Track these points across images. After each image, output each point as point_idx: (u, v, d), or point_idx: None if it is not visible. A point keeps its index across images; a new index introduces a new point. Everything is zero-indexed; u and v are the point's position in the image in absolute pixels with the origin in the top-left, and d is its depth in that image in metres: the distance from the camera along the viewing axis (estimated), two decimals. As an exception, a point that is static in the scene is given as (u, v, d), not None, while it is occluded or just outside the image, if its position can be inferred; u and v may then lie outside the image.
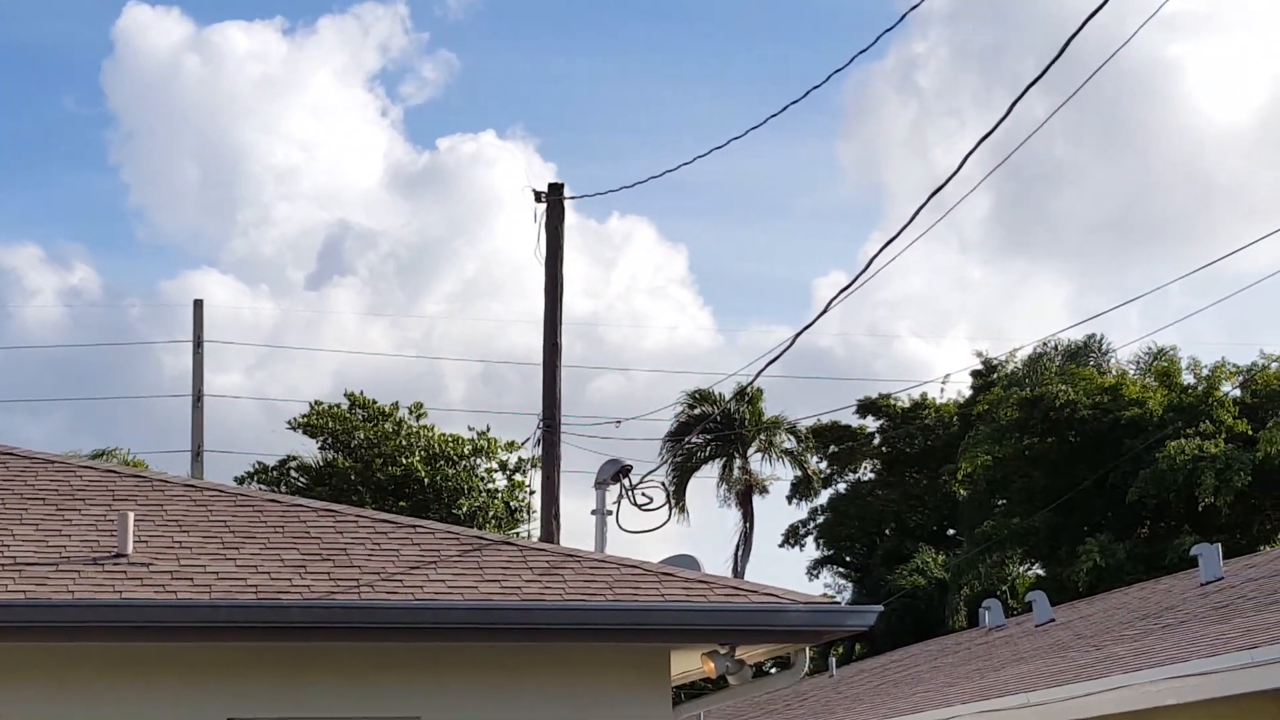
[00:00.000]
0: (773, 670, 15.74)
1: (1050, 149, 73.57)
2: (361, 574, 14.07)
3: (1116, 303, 60.31)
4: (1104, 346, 52.61)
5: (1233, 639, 17.76)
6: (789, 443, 60.60)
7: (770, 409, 60.46)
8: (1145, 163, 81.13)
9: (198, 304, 47.80)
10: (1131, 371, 50.82)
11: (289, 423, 51.58)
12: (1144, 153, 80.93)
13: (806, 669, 15.34)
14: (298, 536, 14.96)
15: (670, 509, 22.30)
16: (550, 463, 24.85)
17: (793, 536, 62.03)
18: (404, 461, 49.34)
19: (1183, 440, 44.49)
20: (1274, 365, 47.51)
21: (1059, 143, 76.07)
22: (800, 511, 62.02)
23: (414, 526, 15.67)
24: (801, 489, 60.89)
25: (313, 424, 51.01)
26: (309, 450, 51.40)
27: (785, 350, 18.44)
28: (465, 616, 13.62)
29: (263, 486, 49.29)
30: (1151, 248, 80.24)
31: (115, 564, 14.03)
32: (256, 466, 51.83)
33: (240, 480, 49.81)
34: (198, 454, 45.92)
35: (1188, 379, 49.33)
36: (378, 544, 14.88)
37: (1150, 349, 50.93)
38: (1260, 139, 79.93)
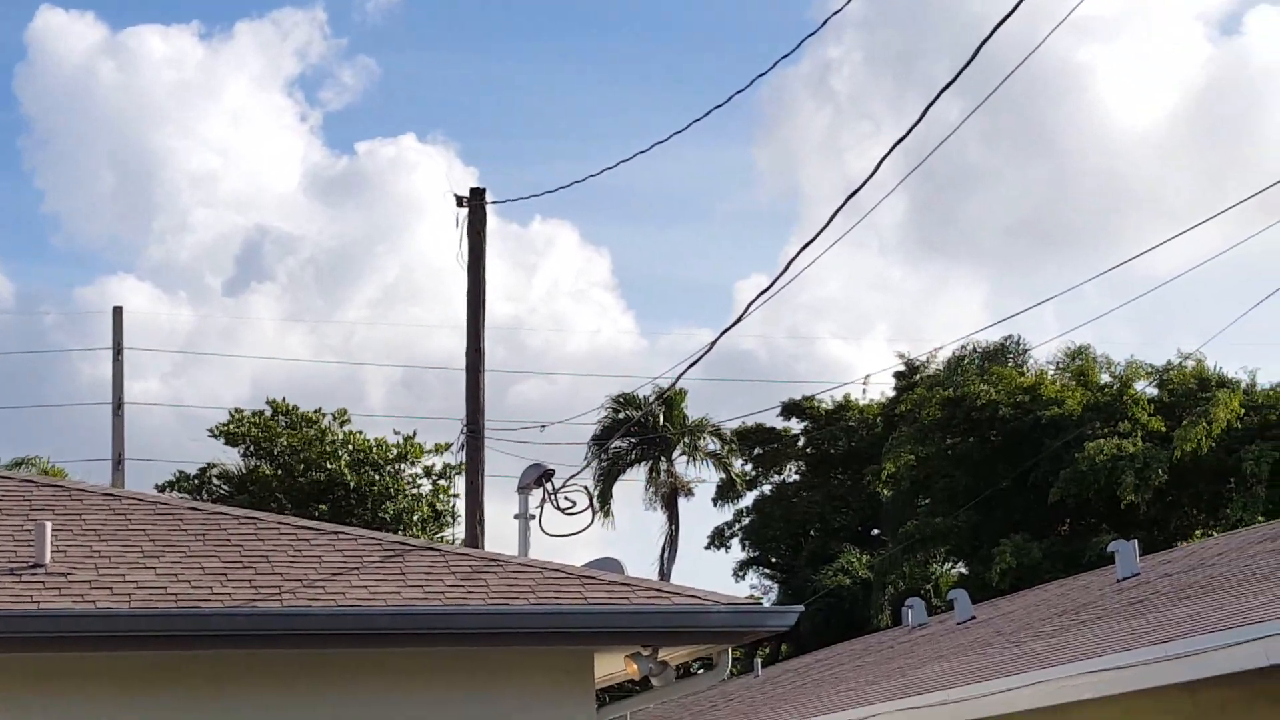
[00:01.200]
0: (699, 671, 15.83)
1: (964, 153, 74.13)
2: (283, 581, 14.08)
3: (1032, 304, 60.67)
4: (1021, 346, 53.04)
5: (1147, 634, 17.98)
6: (713, 445, 60.81)
7: (695, 412, 60.74)
8: (1058, 165, 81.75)
9: (117, 311, 47.55)
10: (1050, 371, 51.22)
11: (209, 430, 51.43)
12: (1056, 156, 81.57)
13: (730, 670, 15.45)
14: (218, 544, 14.96)
15: (593, 512, 22.38)
16: (474, 468, 24.89)
17: (718, 539, 62.21)
18: (329, 467, 49.25)
19: (1101, 440, 44.90)
20: (1189, 364, 47.98)
21: (973, 147, 76.63)
22: (725, 514, 62.31)
23: (336, 533, 15.69)
24: (726, 491, 61.08)
25: (233, 431, 50.82)
26: (230, 457, 51.26)
27: (706, 353, 18.59)
28: (388, 623, 13.66)
29: (183, 495, 49.08)
30: (1065, 250, 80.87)
31: (33, 574, 13.99)
32: (177, 475, 51.62)
33: (161, 488, 49.58)
34: (118, 462, 45.68)
35: (1104, 378, 49.77)
36: (299, 551, 14.90)
37: (1068, 349, 51.36)
38: (1171, 142, 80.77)
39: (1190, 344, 61.39)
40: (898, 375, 57.75)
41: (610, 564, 16.82)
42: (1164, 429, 45.71)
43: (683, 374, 19.74)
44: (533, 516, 22.67)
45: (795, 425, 61.89)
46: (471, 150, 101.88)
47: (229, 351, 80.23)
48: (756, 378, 77.64)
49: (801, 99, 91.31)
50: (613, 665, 15.24)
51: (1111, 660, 16.99)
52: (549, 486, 22.59)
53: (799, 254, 15.57)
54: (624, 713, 16.25)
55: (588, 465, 50.53)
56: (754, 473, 62.49)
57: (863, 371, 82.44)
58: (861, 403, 60.77)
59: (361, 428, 51.39)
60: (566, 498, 22.44)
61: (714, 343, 18.43)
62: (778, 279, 16.33)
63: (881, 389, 59.95)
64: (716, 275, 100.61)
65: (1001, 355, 52.42)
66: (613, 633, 14.18)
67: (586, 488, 22.84)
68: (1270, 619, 15.67)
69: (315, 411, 51.02)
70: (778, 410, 60.55)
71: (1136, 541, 26.23)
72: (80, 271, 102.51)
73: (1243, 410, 45.43)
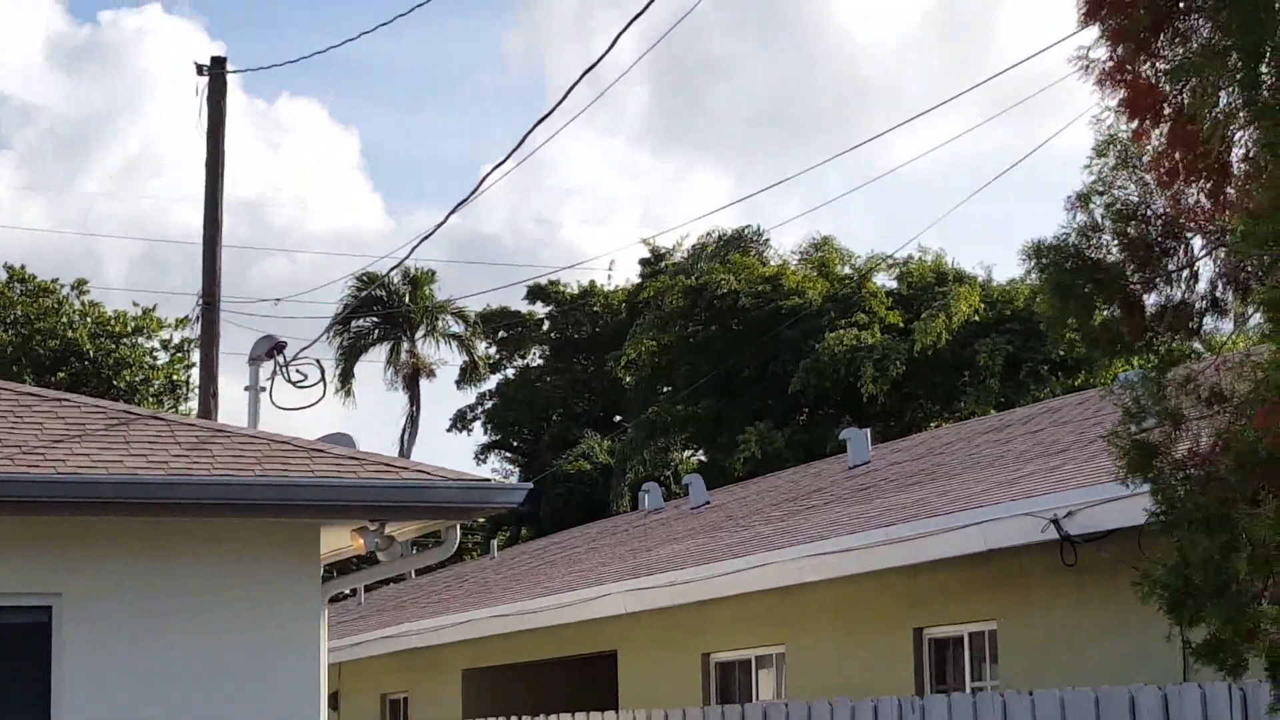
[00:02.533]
0: (429, 547, 15.83)
1: (709, 43, 74.39)
2: (1, 447, 13.78)
3: (767, 187, 60.98)
4: (762, 235, 53.51)
5: (872, 518, 18.35)
6: (457, 327, 60.66)
7: (443, 295, 60.44)
8: (801, 56, 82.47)
9: None
10: (793, 263, 51.78)
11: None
12: (800, 46, 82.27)
13: (462, 549, 15.47)
14: (-64, 409, 14.60)
15: (325, 385, 22.18)
16: (209, 340, 24.49)
17: (460, 421, 62.22)
18: (67, 335, 48.34)
19: (841, 331, 45.55)
20: (928, 258, 48.82)
21: (719, 37, 76.87)
22: (468, 397, 62.28)
23: (59, 400, 15.40)
24: (469, 374, 61.01)
25: (-33, 297, 49.62)
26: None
27: (440, 226, 18.53)
28: (110, 490, 13.42)
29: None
30: (808, 139, 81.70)
31: None
32: (-97, 340, 50.26)
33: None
34: None
35: (845, 270, 50.44)
36: (20, 418, 14.58)
37: (812, 240, 51.93)
38: (911, 35, 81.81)
39: (928, 236, 62.42)
40: (643, 262, 57.98)
41: (341, 439, 16.68)
42: (901, 323, 46.51)
43: (416, 246, 19.72)
44: (263, 389, 22.43)
45: (540, 309, 61.96)
46: (219, 25, 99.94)
47: (-36, 218, 78.04)
48: (502, 261, 77.56)
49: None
50: (340, 540, 15.17)
51: (835, 544, 17.33)
52: (280, 358, 22.34)
53: (536, 126, 15.58)
54: (350, 587, 16.21)
55: (323, 337, 49.95)
56: (497, 356, 62.50)
57: (594, 257, 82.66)
58: (607, 289, 60.99)
59: (100, 300, 50.54)
60: (299, 370, 22.22)
61: (448, 216, 18.42)
62: (515, 151, 16.31)
63: (627, 275, 60.25)
64: (462, 156, 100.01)
65: (740, 243, 52.85)
66: (339, 506, 14.10)
67: (319, 361, 22.61)
68: (988, 504, 16.08)
69: (52, 281, 50.01)
70: (523, 294, 60.58)
71: (869, 430, 26.74)
72: None
73: (981, 305, 46.41)
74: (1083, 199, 8.50)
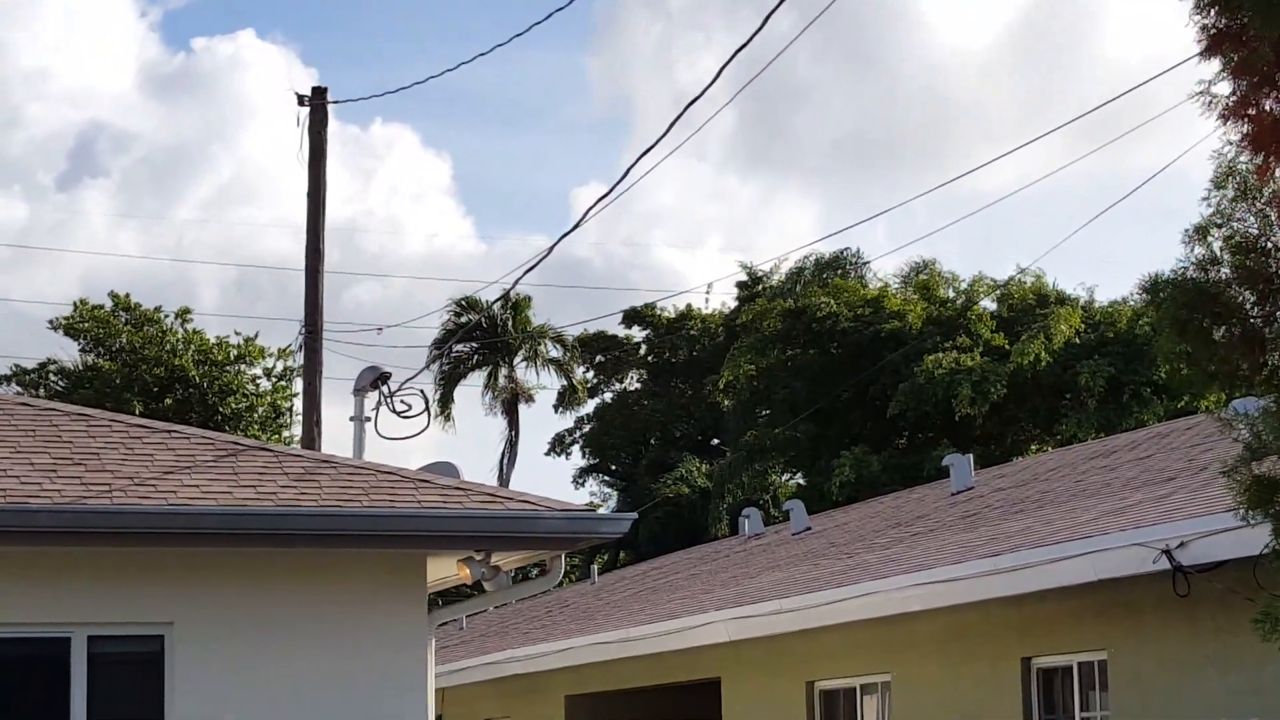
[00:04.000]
0: (533, 576, 15.85)
1: (793, 68, 74.34)
2: (114, 479, 13.92)
3: (863, 218, 60.85)
4: (860, 259, 53.39)
5: (977, 546, 18.22)
6: (555, 352, 60.76)
7: (537, 320, 60.55)
8: (885, 83, 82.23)
9: (-48, 205, 46.69)
10: (893, 285, 51.61)
11: (50, 323, 50.78)
12: (884, 73, 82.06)
13: (563, 576, 15.48)
14: (49, 440, 14.75)
15: (429, 415, 22.26)
16: (312, 369, 24.68)
17: (558, 445, 62.29)
18: (173, 363, 48.82)
19: (940, 354, 45.34)
20: (1028, 280, 48.53)
21: (801, 62, 76.85)
22: (566, 421, 62.34)
23: (169, 432, 15.53)
24: (567, 398, 61.07)
25: (75, 325, 50.20)
26: (69, 354, 50.63)
27: (545, 256, 18.63)
28: (219, 522, 13.55)
29: (20, 390, 48.42)
30: (892, 167, 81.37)
31: None
32: (14, 369, 50.89)
33: (-4, 384, 48.89)
34: (-47, 357, 44.91)
35: (947, 293, 50.21)
36: (131, 449, 14.73)
37: (912, 262, 51.75)
38: (996, 63, 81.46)
39: (1025, 258, 62.06)
40: (740, 285, 57.93)
41: (445, 468, 16.73)
42: (1004, 344, 46.24)
43: (522, 276, 19.83)
44: (368, 419, 22.54)
45: (637, 333, 62.01)
46: (311, 50, 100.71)
47: (60, 247, 78.96)
48: (594, 285, 77.67)
49: (634, 7, 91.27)
50: (446, 569, 15.22)
51: (941, 573, 17.21)
52: (385, 389, 22.45)
53: (639, 160, 15.63)
54: (456, 616, 16.25)
55: (426, 368, 50.11)
56: (595, 380, 62.56)
57: (697, 281, 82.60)
58: (704, 312, 60.94)
59: (201, 328, 51.02)
60: (403, 400, 22.33)
61: (554, 246, 18.48)
62: (618, 184, 16.37)
63: (724, 299, 60.18)
64: (552, 183, 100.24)
65: (838, 268, 52.71)
66: (446, 536, 14.17)
67: (423, 391, 22.73)
68: (1097, 534, 15.92)
69: (155, 310, 50.52)
70: (619, 318, 60.62)
71: (971, 455, 26.54)
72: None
73: (1083, 326, 46.10)
74: (1200, 231, 8.44)
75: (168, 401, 46.66)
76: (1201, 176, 8.52)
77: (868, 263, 52.84)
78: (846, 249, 53.13)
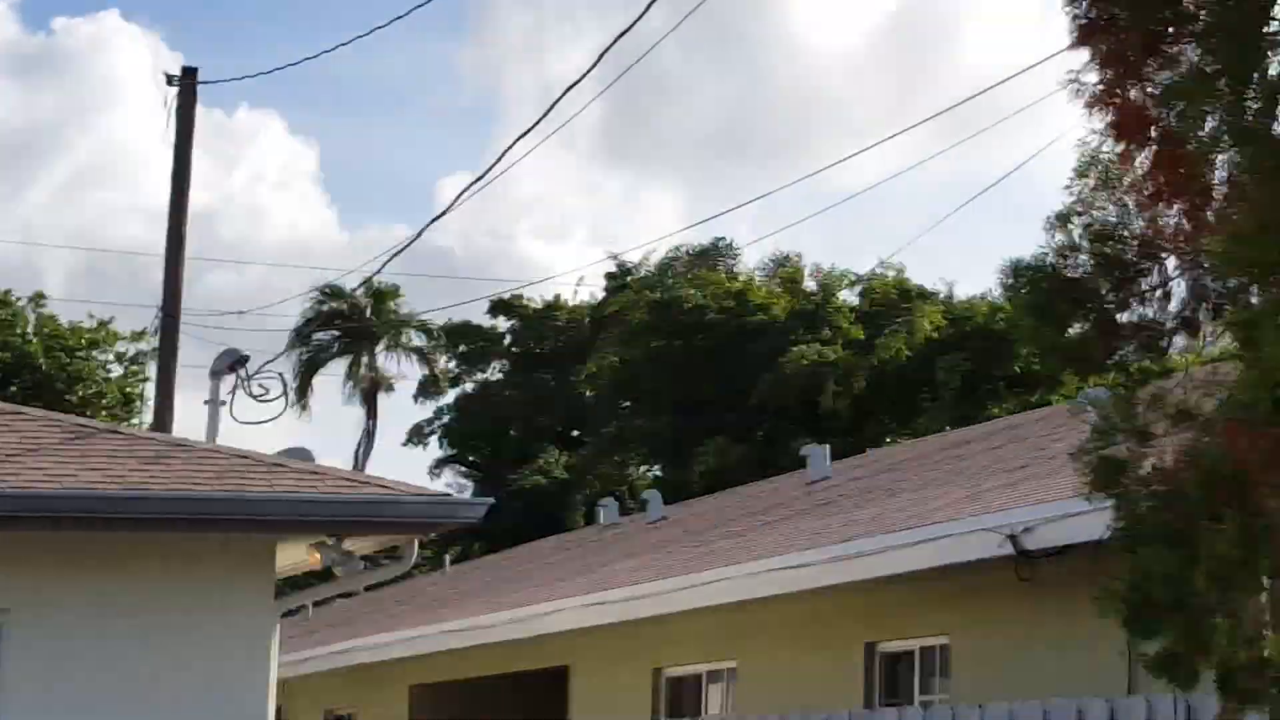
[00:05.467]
0: (385, 563, 15.72)
1: (660, 61, 74.50)
2: (-45, 460, 13.65)
3: (728, 209, 60.90)
4: (732, 249, 53.53)
5: (830, 533, 18.32)
6: (418, 340, 60.46)
7: (403, 309, 60.13)
8: (752, 77, 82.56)
9: None
10: (758, 278, 51.80)
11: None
12: (751, 67, 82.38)
13: (415, 565, 15.35)
14: (-112, 421, 14.46)
15: (287, 400, 22.09)
16: (168, 352, 24.33)
17: (417, 435, 61.89)
18: (25, 347, 48.04)
19: (804, 346, 45.60)
20: (890, 274, 48.91)
21: (669, 55, 77.03)
22: (426, 411, 62.00)
23: (14, 413, 15.28)
24: (428, 388, 60.78)
25: (-86, 307, 49.33)
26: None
27: (413, 241, 18.67)
28: (64, 504, 13.31)
29: None
30: (759, 160, 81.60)
31: None
32: None
33: None
34: None
35: (810, 285, 50.49)
36: (-27, 430, 14.46)
37: (776, 255, 51.97)
38: (861, 59, 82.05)
39: (886, 251, 62.48)
40: (608, 276, 57.87)
41: (301, 454, 16.57)
42: (864, 337, 46.56)
43: (387, 261, 19.79)
44: (224, 403, 22.30)
45: (503, 323, 61.73)
46: (177, 34, 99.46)
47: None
48: (458, 274, 77.32)
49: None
50: (295, 555, 15.03)
51: (792, 559, 17.29)
52: (242, 373, 22.23)
53: (513, 145, 15.60)
54: (304, 603, 16.06)
55: (285, 353, 49.65)
56: (458, 370, 62.24)
57: (563, 271, 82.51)
58: (571, 303, 60.86)
59: (54, 313, 50.25)
60: (260, 384, 22.12)
61: (423, 230, 18.49)
62: (490, 170, 16.31)
63: (591, 290, 60.10)
64: (418, 172, 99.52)
65: (711, 257, 52.82)
66: (301, 521, 13.98)
67: (281, 374, 22.51)
68: (945, 520, 16.06)
69: (4, 292, 49.72)
70: (485, 308, 60.36)
71: (828, 446, 26.72)
72: None
73: (943, 321, 46.52)
74: (1062, 219, 8.57)
75: (13, 389, 45.86)
76: (1057, 176, 8.64)
77: (739, 252, 53.04)
78: (720, 239, 53.24)
